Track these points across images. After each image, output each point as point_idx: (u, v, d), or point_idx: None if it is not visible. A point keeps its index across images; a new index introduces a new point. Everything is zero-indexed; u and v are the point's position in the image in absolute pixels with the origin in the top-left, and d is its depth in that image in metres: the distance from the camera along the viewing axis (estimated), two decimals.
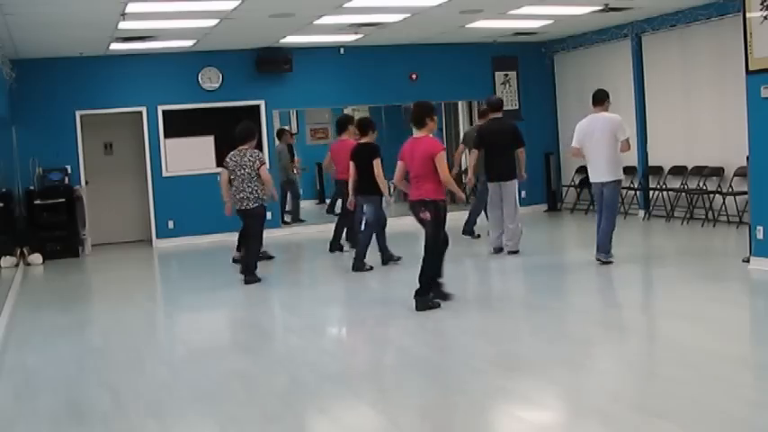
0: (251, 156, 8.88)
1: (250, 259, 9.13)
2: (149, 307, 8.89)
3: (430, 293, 7.32)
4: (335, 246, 10.95)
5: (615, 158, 8.75)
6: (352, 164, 9.42)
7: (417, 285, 7.27)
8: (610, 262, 8.82)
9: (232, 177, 8.97)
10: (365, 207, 9.62)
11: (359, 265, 9.40)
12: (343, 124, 10.78)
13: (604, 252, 8.85)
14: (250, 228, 9.16)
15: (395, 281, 9.13)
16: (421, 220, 7.29)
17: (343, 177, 9.94)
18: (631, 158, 12.99)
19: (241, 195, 8.89)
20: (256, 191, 8.88)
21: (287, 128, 15.11)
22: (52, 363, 6.40)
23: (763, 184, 8.18)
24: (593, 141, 8.72)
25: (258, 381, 5.62)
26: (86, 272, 11.51)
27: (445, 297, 7.47)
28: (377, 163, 9.17)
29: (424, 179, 7.16)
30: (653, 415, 4.43)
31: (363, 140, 9.55)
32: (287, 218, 14.11)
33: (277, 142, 14.02)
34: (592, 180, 9.02)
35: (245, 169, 8.83)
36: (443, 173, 7.07)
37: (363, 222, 9.83)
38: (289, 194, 14.26)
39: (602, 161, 8.72)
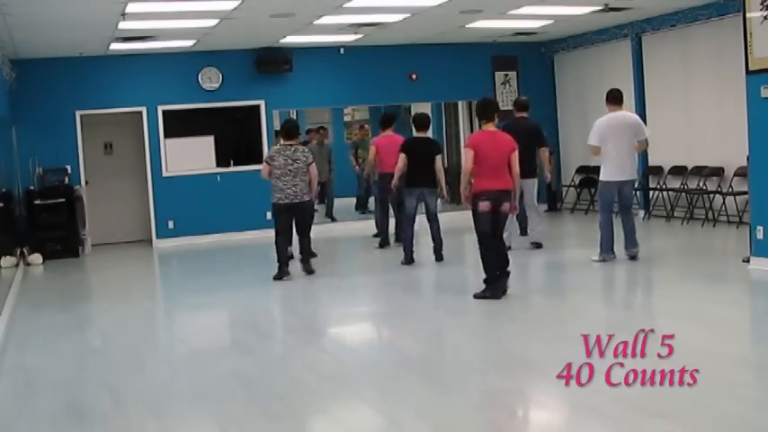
0: (303, 152, 9.14)
1: (309, 250, 9.47)
2: (149, 306, 8.89)
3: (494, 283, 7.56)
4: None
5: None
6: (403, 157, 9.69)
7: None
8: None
9: (278, 173, 9.05)
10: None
11: (439, 256, 9.76)
12: (388, 121, 11.16)
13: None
14: (306, 221, 9.35)
15: (398, 280, 9.12)
16: (496, 209, 7.51)
17: (390, 171, 10.38)
18: None
19: (293, 190, 9.05)
20: (307, 185, 9.11)
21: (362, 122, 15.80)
22: (52, 362, 6.40)
23: (763, 184, 8.18)
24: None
25: (258, 381, 5.62)
26: (86, 272, 11.50)
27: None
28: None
29: (504, 170, 7.47)
30: (653, 415, 4.43)
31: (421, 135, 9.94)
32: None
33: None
34: None
35: (298, 163, 9.01)
36: (516, 168, 7.54)
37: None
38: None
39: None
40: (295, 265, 9.44)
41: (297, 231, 9.30)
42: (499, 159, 7.45)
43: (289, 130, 9.35)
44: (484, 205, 7.45)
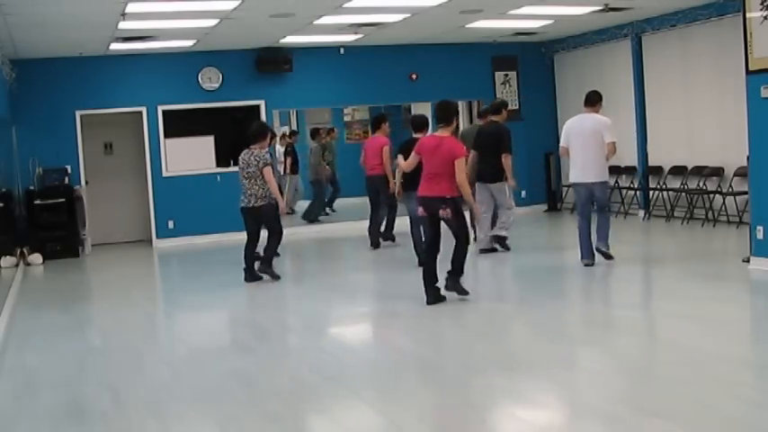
0: (256, 156, 8.98)
1: (268, 253, 9.20)
2: (149, 307, 8.89)
3: (461, 278, 7.51)
4: (384, 238, 11.24)
5: (603, 160, 8.68)
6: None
7: (444, 273, 7.53)
8: (610, 256, 8.83)
9: (240, 176, 9.11)
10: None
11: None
12: (377, 122, 11.34)
13: (605, 244, 8.88)
14: (265, 225, 9.17)
15: (398, 280, 9.12)
16: (433, 215, 7.42)
17: (372, 173, 10.91)
18: (631, 158, 13.03)
19: (249, 193, 9.01)
20: (264, 189, 8.97)
21: (320, 127, 15.58)
22: (52, 362, 6.40)
23: (763, 184, 8.19)
24: (583, 142, 8.69)
25: (258, 381, 5.62)
26: (86, 272, 11.50)
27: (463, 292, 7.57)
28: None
29: (442, 177, 7.29)
30: (653, 415, 4.43)
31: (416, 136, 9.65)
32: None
33: (311, 142, 14.90)
34: (578, 180, 8.86)
35: (251, 168, 8.96)
36: (460, 176, 7.24)
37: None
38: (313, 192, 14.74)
39: (591, 162, 8.66)
40: (288, 266, 9.43)
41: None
42: (438, 166, 7.33)
43: (251, 135, 9.16)
44: (420, 210, 7.58)
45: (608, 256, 8.89)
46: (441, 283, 7.55)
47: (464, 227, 7.47)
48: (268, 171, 8.91)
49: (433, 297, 7.44)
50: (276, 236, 9.19)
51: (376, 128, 11.33)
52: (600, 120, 8.68)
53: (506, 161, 9.82)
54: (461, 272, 7.52)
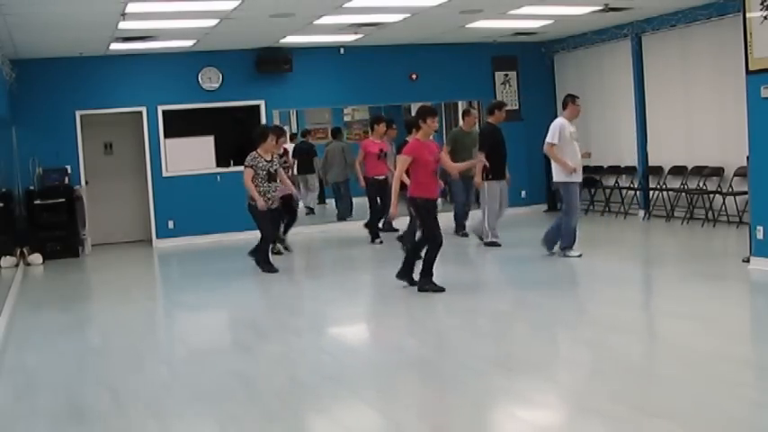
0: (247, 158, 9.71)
1: (260, 249, 9.83)
2: (149, 306, 8.88)
3: (431, 276, 7.96)
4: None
5: (558, 161, 9.30)
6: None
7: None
8: (553, 253, 9.52)
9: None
10: None
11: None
12: (370, 124, 11.89)
13: (546, 244, 9.59)
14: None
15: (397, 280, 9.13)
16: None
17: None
18: (631, 158, 13.04)
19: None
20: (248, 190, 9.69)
21: (341, 127, 15.68)
22: (52, 362, 6.40)
23: (763, 184, 8.19)
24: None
25: (258, 380, 5.62)
26: (86, 272, 11.50)
27: (412, 282, 8.15)
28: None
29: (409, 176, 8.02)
30: (653, 415, 4.43)
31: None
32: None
33: (333, 142, 14.76)
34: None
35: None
36: (396, 173, 7.90)
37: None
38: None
39: (553, 164, 9.42)
40: (289, 265, 9.48)
41: None
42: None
43: (253, 139, 9.90)
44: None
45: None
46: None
47: (431, 228, 7.88)
48: (246, 173, 9.57)
49: (403, 273, 8.18)
50: (264, 238, 9.75)
51: (372, 129, 11.63)
52: (552, 123, 9.36)
53: (479, 158, 10.22)
54: (430, 272, 7.94)
